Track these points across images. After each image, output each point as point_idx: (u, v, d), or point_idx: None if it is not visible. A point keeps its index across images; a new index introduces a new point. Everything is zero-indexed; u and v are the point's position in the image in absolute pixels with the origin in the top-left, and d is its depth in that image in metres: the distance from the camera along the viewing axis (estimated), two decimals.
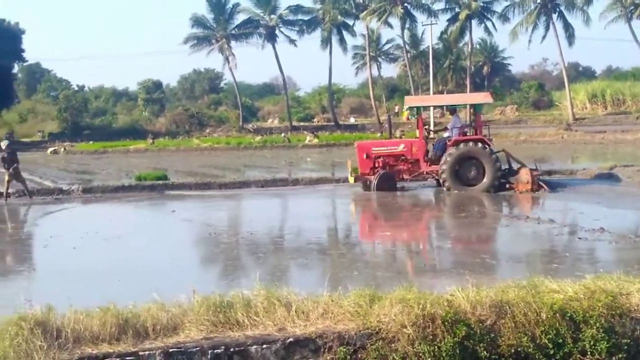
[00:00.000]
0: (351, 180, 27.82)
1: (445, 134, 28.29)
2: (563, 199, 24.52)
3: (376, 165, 27.23)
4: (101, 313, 8.88)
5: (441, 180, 26.33)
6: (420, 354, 8.84)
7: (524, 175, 26.07)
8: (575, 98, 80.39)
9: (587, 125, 69.34)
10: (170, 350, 8.67)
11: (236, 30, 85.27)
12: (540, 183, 26.13)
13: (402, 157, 27.32)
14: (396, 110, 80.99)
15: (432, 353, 8.83)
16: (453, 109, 30.92)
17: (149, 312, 9.03)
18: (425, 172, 27.20)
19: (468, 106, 33.71)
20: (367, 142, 28.26)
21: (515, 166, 26.82)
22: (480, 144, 26.38)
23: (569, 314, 9.21)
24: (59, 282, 13.68)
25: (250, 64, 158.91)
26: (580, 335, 9.12)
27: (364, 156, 27.37)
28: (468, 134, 27.32)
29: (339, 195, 27.25)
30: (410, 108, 29.07)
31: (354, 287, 10.03)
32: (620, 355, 9.08)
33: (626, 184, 27.67)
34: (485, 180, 25.89)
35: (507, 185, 26.08)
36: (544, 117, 79.23)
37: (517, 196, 25.14)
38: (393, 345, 8.94)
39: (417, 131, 27.74)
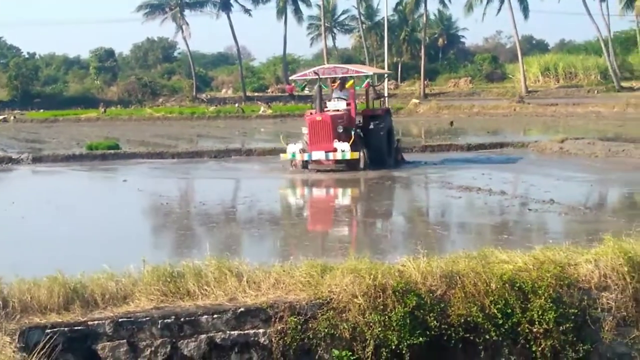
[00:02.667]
0: (355, 156, 24.36)
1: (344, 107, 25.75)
2: (515, 171, 24.78)
3: (341, 139, 24.61)
4: (49, 282, 8.77)
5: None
6: (371, 324, 8.88)
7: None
8: (528, 71, 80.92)
9: (540, 98, 69.91)
10: (120, 319, 8.61)
11: None
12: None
13: None
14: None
15: (382, 323, 8.86)
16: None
17: (98, 281, 8.94)
18: None
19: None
20: (335, 114, 25.19)
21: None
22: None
23: (518, 284, 9.29)
24: (7, 252, 13.46)
25: (205, 33, 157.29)
26: (529, 305, 9.21)
27: (340, 130, 24.69)
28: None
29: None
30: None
31: (305, 257, 10.01)
32: (567, 325, 9.19)
33: (575, 157, 27.98)
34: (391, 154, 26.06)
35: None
36: (497, 89, 79.69)
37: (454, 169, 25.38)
38: (344, 315, 8.96)
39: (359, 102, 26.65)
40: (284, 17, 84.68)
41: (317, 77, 25.51)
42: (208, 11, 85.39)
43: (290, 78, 28.16)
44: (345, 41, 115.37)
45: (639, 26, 79.66)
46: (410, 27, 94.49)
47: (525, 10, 76.97)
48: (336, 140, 24.43)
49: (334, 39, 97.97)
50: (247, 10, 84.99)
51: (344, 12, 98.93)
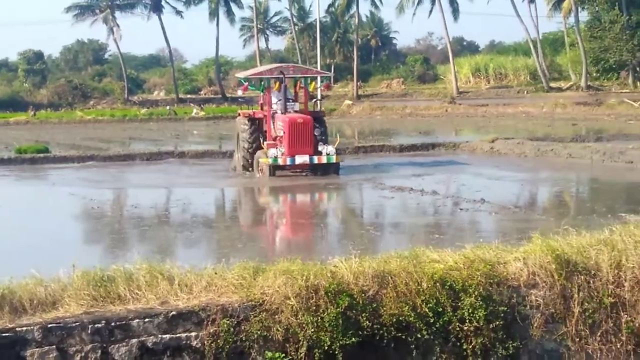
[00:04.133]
0: (339, 159, 23.79)
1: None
2: (447, 171, 25.04)
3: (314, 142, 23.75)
4: None
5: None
6: (304, 325, 8.89)
7: None
8: (459, 72, 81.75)
9: (471, 98, 70.67)
10: (49, 325, 8.48)
11: (121, 0, 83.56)
12: None
13: None
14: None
15: (315, 324, 8.88)
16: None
17: (26, 287, 8.80)
18: None
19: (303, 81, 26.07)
20: (309, 116, 23.87)
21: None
22: None
23: (448, 283, 9.38)
24: None
25: (136, 35, 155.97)
26: (460, 304, 9.31)
27: (317, 132, 23.82)
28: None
29: (222, 169, 27.04)
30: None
31: (238, 259, 9.98)
32: (497, 323, 9.32)
33: (506, 156, 28.38)
34: None
35: None
36: (429, 90, 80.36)
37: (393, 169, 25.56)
38: (277, 316, 8.95)
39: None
40: (216, 19, 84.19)
41: (281, 76, 24.28)
42: (139, 13, 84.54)
43: (244, 77, 26.56)
44: (278, 43, 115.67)
45: (566, 27, 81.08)
46: (342, 29, 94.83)
47: (455, 12, 77.85)
48: (320, 143, 23.67)
49: (266, 40, 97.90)
50: (178, 12, 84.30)
51: (276, 14, 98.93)
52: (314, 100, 26.22)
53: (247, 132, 24.72)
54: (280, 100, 24.46)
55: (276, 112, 24.36)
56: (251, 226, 17.54)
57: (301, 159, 23.24)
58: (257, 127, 24.94)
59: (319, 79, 27.16)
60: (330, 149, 23.47)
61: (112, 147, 35.08)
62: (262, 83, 25.06)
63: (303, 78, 25.58)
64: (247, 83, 25.86)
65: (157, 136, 43.44)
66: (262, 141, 24.54)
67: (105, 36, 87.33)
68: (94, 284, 8.99)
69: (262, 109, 25.59)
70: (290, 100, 24.68)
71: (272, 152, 23.28)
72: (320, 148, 23.51)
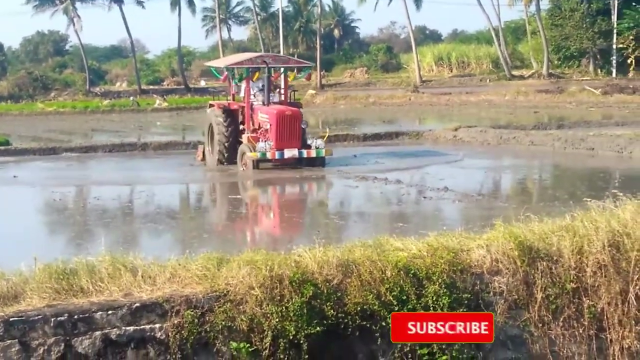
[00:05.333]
0: (329, 153, 23.15)
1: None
2: (411, 160, 25.11)
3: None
4: None
5: None
6: (268, 315, 8.87)
7: None
8: (422, 61, 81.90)
9: (434, 87, 70.88)
10: (11, 319, 8.40)
11: None
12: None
13: None
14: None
15: (280, 313, 8.87)
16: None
17: None
18: None
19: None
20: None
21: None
22: None
23: (412, 271, 9.41)
24: None
25: (97, 25, 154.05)
26: (424, 292, 9.33)
27: (304, 125, 23.26)
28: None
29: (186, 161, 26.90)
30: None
31: (203, 250, 9.94)
32: (461, 310, 9.36)
33: (469, 144, 28.54)
34: None
35: None
36: (392, 79, 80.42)
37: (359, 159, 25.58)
38: (241, 307, 8.93)
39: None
40: (177, 9, 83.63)
41: (265, 66, 23.54)
42: (100, 3, 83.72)
43: (225, 65, 25.22)
44: (240, 33, 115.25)
45: (528, 15, 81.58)
46: (305, 18, 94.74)
47: (417, 0, 78.06)
48: (309, 136, 23.15)
49: (229, 30, 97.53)
50: (139, 2, 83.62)
51: (238, 4, 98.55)
52: (278, 89, 25.78)
53: (224, 124, 23.74)
54: (261, 90, 23.77)
55: (253, 104, 23.76)
56: (214, 217, 17.50)
57: (290, 152, 22.44)
58: (234, 119, 24.00)
59: (282, 71, 26.77)
60: (320, 142, 22.94)
61: (74, 139, 34.78)
62: (241, 73, 24.22)
63: (282, 68, 24.86)
64: (226, 72, 24.75)
65: (120, 127, 43.13)
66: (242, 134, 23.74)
67: (65, 27, 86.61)
68: (56, 277, 8.91)
69: (233, 99, 25.17)
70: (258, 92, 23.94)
71: (261, 146, 22.29)
72: (309, 141, 22.95)
